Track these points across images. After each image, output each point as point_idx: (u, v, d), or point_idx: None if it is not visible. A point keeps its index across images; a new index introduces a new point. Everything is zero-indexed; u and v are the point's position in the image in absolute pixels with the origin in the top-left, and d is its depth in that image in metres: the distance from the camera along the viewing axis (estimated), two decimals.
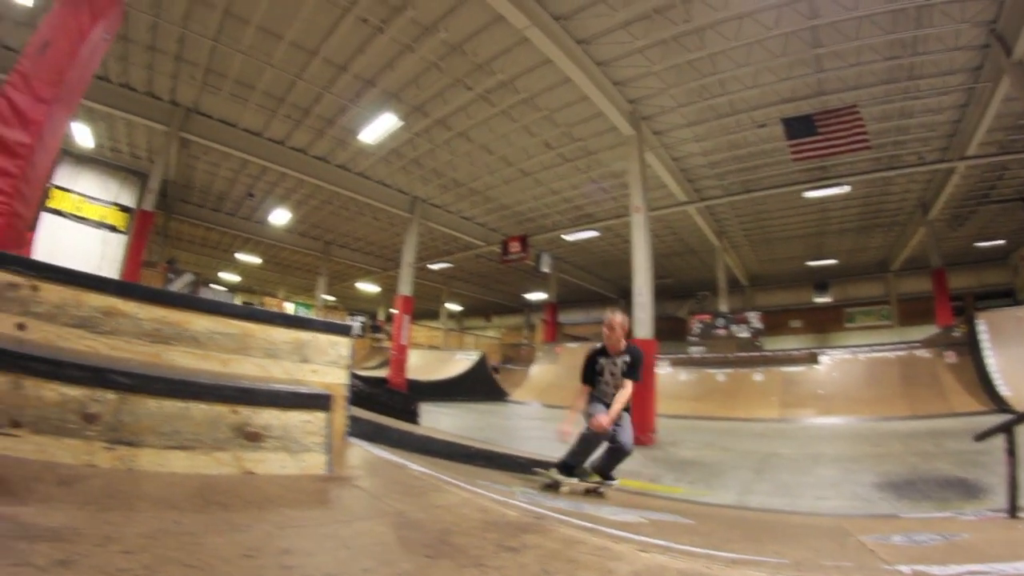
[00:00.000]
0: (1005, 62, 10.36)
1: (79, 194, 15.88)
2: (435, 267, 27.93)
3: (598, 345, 5.31)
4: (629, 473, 6.92)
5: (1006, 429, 3.88)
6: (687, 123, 14.57)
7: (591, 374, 5.22)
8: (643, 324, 11.53)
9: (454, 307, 41.99)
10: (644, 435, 9.99)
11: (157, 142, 16.68)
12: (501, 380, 23.10)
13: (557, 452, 5.21)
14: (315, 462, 2.83)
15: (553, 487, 4.94)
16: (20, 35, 11.90)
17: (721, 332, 23.07)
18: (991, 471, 5.60)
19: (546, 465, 5.31)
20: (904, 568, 2.43)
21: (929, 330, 18.66)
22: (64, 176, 15.42)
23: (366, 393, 8.11)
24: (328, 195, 21.26)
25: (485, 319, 46.63)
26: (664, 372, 16.23)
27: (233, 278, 37.07)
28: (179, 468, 2.43)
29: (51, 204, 14.81)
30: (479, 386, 21.47)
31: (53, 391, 2.25)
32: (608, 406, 4.98)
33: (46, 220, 13.97)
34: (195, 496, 2.21)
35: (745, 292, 30.17)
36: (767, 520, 4.50)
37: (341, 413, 3.16)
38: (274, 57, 12.83)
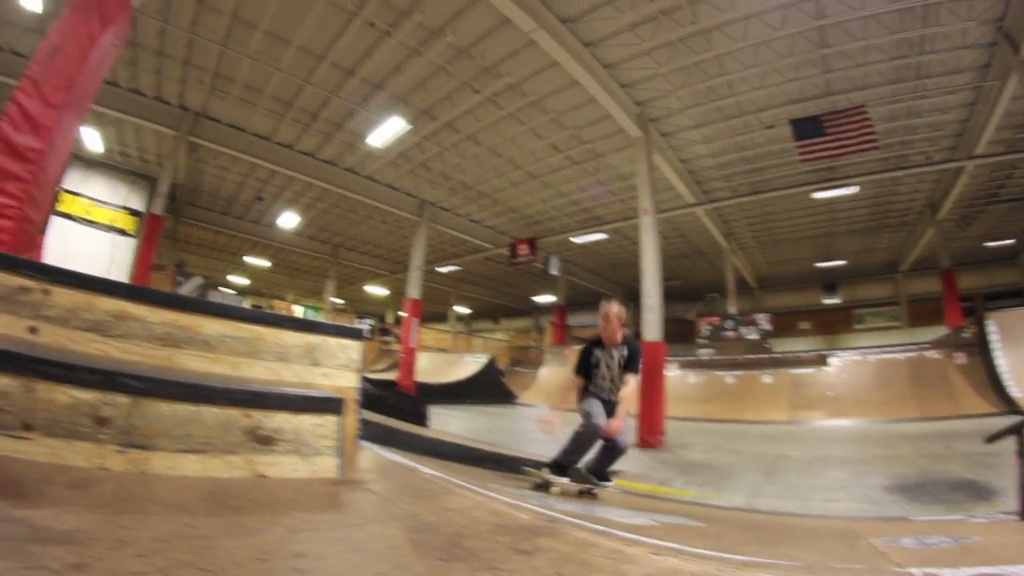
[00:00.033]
0: (1013, 60, 10.30)
1: (89, 198, 16.03)
2: (443, 270, 27.85)
3: (594, 336, 5.12)
4: (638, 476, 6.92)
5: (1017, 431, 3.84)
6: (695, 125, 14.54)
7: (586, 366, 5.05)
8: (652, 326, 11.48)
9: (463, 310, 42.04)
10: (653, 437, 9.98)
11: (166, 146, 16.73)
12: (510, 382, 23.10)
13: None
14: (327, 465, 2.83)
15: (543, 487, 4.75)
16: (29, 41, 11.99)
17: (730, 334, 23.01)
18: (1002, 473, 5.54)
19: (538, 465, 5.12)
20: (915, 571, 2.42)
21: (939, 331, 18.54)
22: (74, 180, 15.55)
23: (375, 396, 8.12)
24: (336, 198, 21.30)
25: (493, 322, 46.57)
26: (673, 374, 16.18)
27: (242, 281, 37.20)
28: (191, 471, 2.43)
29: (61, 208, 14.92)
30: (488, 388, 21.50)
31: (65, 394, 2.26)
32: (605, 401, 4.84)
33: (56, 224, 14.03)
34: (207, 499, 2.21)
35: (754, 294, 30.11)
36: (777, 523, 4.47)
37: (352, 416, 3.15)
38: (282, 61, 12.87)
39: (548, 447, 6.01)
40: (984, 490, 5.60)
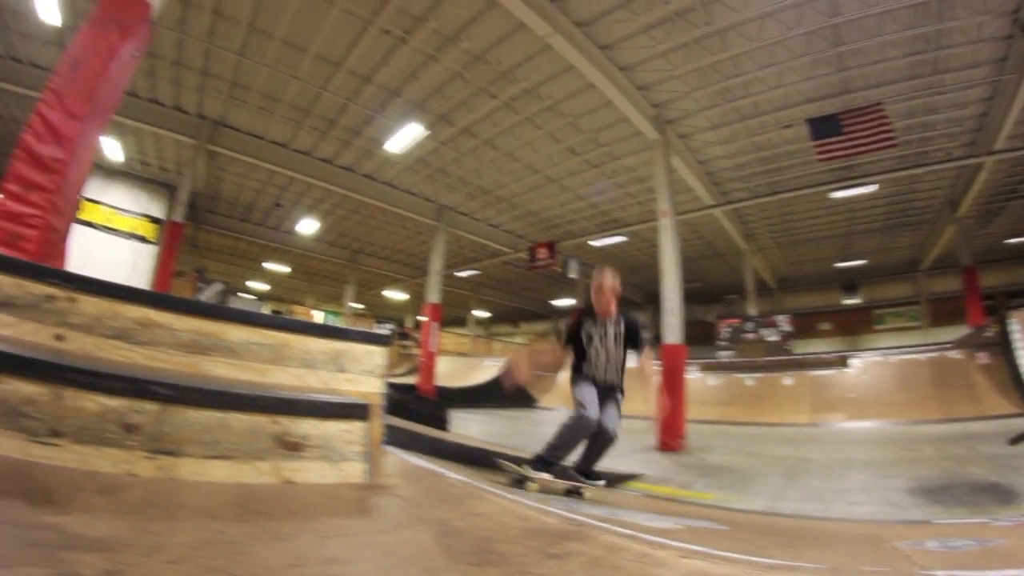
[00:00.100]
0: None
1: (110, 206, 16.26)
2: (462, 274, 27.92)
3: (584, 305, 4.49)
4: (660, 479, 6.88)
5: None
6: (711, 126, 14.48)
7: (575, 339, 4.57)
8: (673, 329, 11.42)
9: (482, 314, 42.05)
10: (674, 441, 9.92)
11: (185, 155, 16.90)
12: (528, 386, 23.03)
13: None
14: (354, 471, 2.83)
15: (520, 483, 4.25)
16: (48, 54, 12.19)
17: (750, 336, 22.91)
18: None
19: (518, 460, 4.56)
20: (940, 573, 2.39)
21: (960, 331, 18.22)
22: (95, 189, 15.78)
23: (396, 400, 8.14)
24: (355, 204, 21.37)
25: (513, 325, 46.60)
26: (693, 377, 16.06)
27: (262, 287, 37.43)
28: (219, 477, 2.44)
29: (82, 216, 15.13)
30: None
31: (93, 402, 2.27)
32: (599, 385, 4.44)
33: (78, 231, 14.19)
34: (236, 505, 2.21)
35: (773, 295, 29.92)
36: (800, 526, 4.42)
37: (378, 422, 3.15)
38: (299, 70, 12.98)
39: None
40: (1008, 492, 5.50)
